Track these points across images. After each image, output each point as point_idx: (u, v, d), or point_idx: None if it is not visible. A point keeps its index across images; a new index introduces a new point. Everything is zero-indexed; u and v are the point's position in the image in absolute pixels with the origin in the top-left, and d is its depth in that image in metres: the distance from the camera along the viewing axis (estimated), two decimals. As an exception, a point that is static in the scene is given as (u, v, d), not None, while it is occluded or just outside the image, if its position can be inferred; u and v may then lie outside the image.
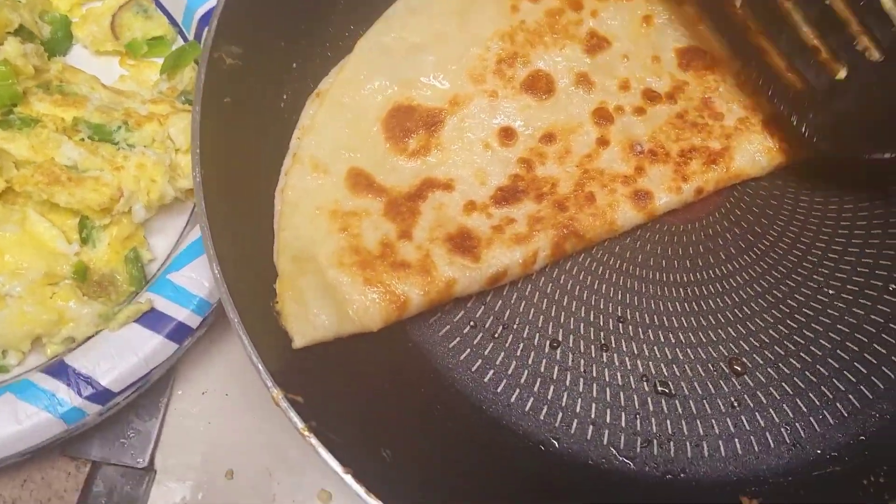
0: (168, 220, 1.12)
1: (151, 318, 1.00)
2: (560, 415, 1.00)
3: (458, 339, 1.04)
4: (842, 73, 0.98)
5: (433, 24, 1.15)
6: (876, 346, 1.01)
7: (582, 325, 1.05)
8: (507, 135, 1.08)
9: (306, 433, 0.81)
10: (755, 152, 1.09)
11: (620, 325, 1.04)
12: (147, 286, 1.04)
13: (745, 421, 0.98)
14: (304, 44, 1.13)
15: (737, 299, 1.05)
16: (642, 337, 1.04)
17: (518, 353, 1.03)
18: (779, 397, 0.99)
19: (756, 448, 0.96)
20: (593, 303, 1.06)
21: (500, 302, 1.06)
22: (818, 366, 1.01)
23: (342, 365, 0.97)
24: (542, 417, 1.00)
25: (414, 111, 1.09)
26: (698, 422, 0.99)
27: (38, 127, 1.04)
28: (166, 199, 1.06)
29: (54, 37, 1.18)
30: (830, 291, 1.05)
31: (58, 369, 0.97)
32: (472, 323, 1.05)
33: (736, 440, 0.98)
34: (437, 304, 1.00)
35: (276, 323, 0.94)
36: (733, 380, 1.01)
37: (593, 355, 1.03)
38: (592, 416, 1.00)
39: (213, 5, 1.19)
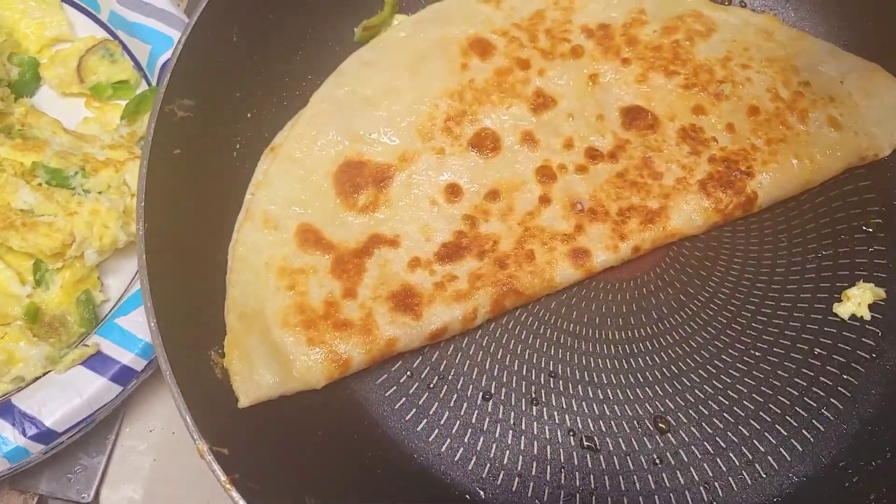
0: (123, 261, 1.16)
1: (97, 361, 1.04)
2: (488, 466, 1.04)
3: (394, 387, 1.08)
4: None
5: (385, 77, 1.19)
6: (798, 409, 1.05)
7: (514, 378, 1.08)
8: (453, 191, 1.12)
9: (227, 486, 0.84)
10: (691, 212, 1.12)
11: (552, 379, 1.08)
12: (96, 328, 1.08)
13: (666, 478, 1.02)
14: (259, 94, 1.17)
15: (665, 358, 1.09)
16: (571, 392, 1.07)
17: (451, 404, 1.07)
18: (700, 456, 1.03)
19: (674, 506, 1.00)
20: (527, 357, 1.09)
21: (438, 353, 1.09)
22: (740, 426, 1.04)
23: (275, 414, 1.00)
24: (470, 468, 1.04)
25: (364, 166, 1.13)
26: (621, 478, 1.02)
27: (-2, 171, 1.08)
28: (118, 245, 1.10)
29: (22, 78, 1.22)
30: (756, 353, 1.08)
31: (4, 409, 1.01)
32: (409, 373, 1.09)
33: (656, 497, 1.01)
34: (379, 361, 1.04)
35: (212, 375, 0.97)
36: (657, 437, 1.05)
37: (524, 408, 1.07)
38: (519, 468, 1.03)
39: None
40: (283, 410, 1.01)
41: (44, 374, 1.04)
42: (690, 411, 1.06)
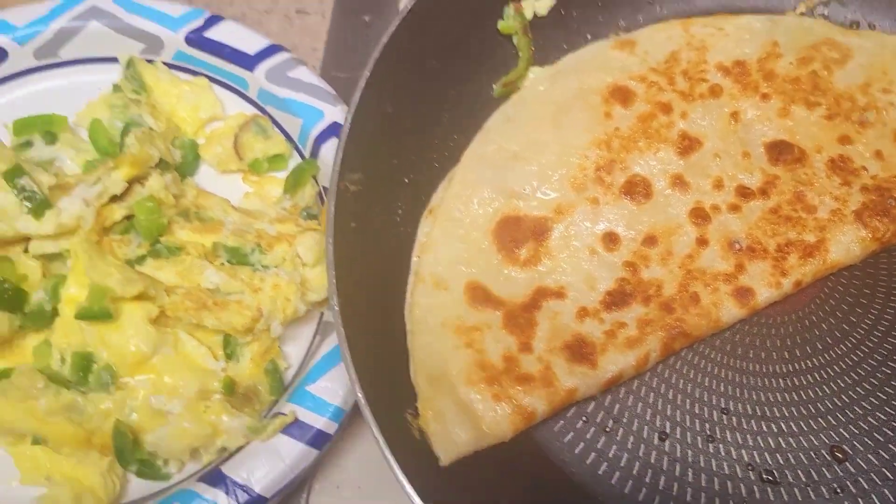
0: (298, 330, 1.22)
1: (294, 428, 1.11)
2: (671, 504, 1.07)
3: (571, 433, 1.11)
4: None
5: (529, 132, 1.23)
6: (977, 428, 1.06)
7: (688, 417, 1.11)
8: (611, 240, 1.16)
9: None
10: (849, 243, 1.14)
11: (724, 416, 1.11)
12: (286, 395, 1.14)
13: (848, 508, 1.04)
14: (413, 159, 1.22)
15: (835, 388, 1.10)
16: (745, 427, 1.10)
17: (629, 446, 1.10)
18: (880, 483, 1.05)
19: (860, 535, 1.02)
20: (697, 395, 1.12)
21: (610, 397, 1.13)
22: (919, 450, 1.06)
23: (468, 468, 1.05)
24: (654, 508, 1.07)
25: (521, 221, 1.17)
26: (804, 510, 1.05)
27: (183, 254, 1.16)
28: (299, 314, 1.16)
29: (185, 161, 1.29)
30: (928, 376, 1.09)
31: (216, 478, 1.08)
32: (584, 418, 1.12)
33: (841, 526, 1.03)
34: (559, 411, 1.08)
35: (410, 436, 1.03)
36: (835, 467, 1.06)
37: (700, 446, 1.09)
38: (702, 505, 1.06)
39: (326, 126, 1.29)
40: (476, 464, 1.05)
41: (246, 444, 1.10)
42: (866, 438, 1.07)
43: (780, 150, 1.19)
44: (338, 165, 1.09)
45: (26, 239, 1.15)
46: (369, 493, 1.20)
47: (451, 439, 1.03)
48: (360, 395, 0.96)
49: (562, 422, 1.12)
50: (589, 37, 1.33)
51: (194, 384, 1.10)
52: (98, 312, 1.07)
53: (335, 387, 1.12)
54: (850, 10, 1.32)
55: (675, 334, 1.10)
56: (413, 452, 1.01)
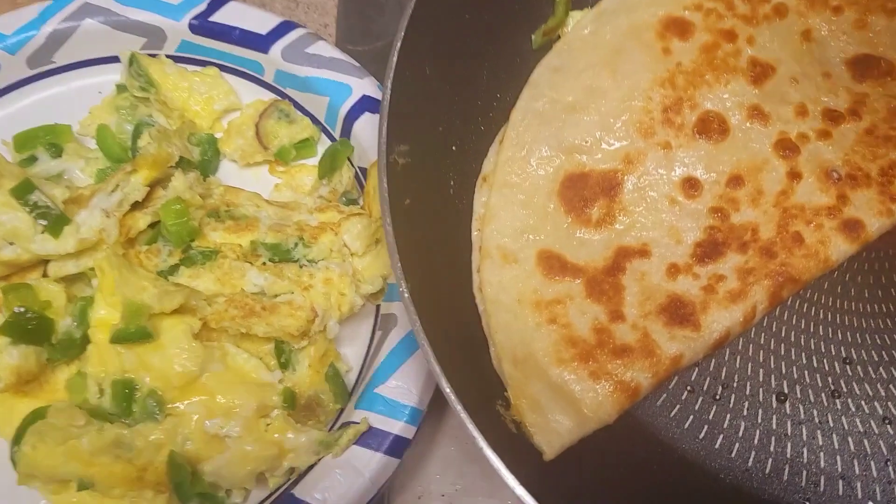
0: (353, 328, 1.10)
1: (369, 437, 0.99)
2: (804, 473, 0.95)
3: (678, 406, 1.00)
4: None
5: (583, 80, 1.11)
6: None
7: (806, 372, 1.00)
8: (691, 185, 1.04)
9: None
10: (964, 156, 1.02)
11: (847, 366, 0.99)
12: (352, 401, 1.02)
13: None
14: (458, 124, 1.10)
15: (970, 318, 0.99)
16: (874, 376, 0.98)
17: (745, 413, 0.99)
18: None
19: None
20: (812, 347, 1.01)
21: (714, 361, 1.02)
22: None
23: (571, 461, 0.93)
24: (785, 478, 0.95)
25: (588, 178, 1.05)
26: (961, 459, 0.93)
27: (219, 258, 1.04)
28: (356, 309, 1.04)
29: (204, 158, 1.17)
30: None
31: (288, 504, 0.96)
32: (689, 388, 1.01)
33: None
34: (665, 382, 0.96)
35: (506, 430, 0.91)
36: (985, 407, 0.94)
37: (825, 404, 0.98)
38: (839, 469, 0.95)
39: (355, 101, 1.17)
40: (580, 453, 0.93)
41: (317, 461, 0.98)
42: None
43: (864, 66, 1.08)
44: (384, 138, 0.96)
45: (44, 262, 1.03)
46: (456, 501, 1.08)
47: (552, 429, 0.91)
48: (447, 389, 0.84)
49: (664, 395, 1.01)
50: (629, -31, 1.20)
51: (251, 401, 0.98)
52: (135, 333, 0.95)
53: (408, 385, 1.00)
54: None
55: (781, 281, 0.98)
56: (513, 448, 0.88)
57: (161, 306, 0.96)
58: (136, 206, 1.05)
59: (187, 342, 0.97)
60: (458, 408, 0.83)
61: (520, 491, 0.79)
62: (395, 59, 1.00)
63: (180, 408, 0.98)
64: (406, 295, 0.89)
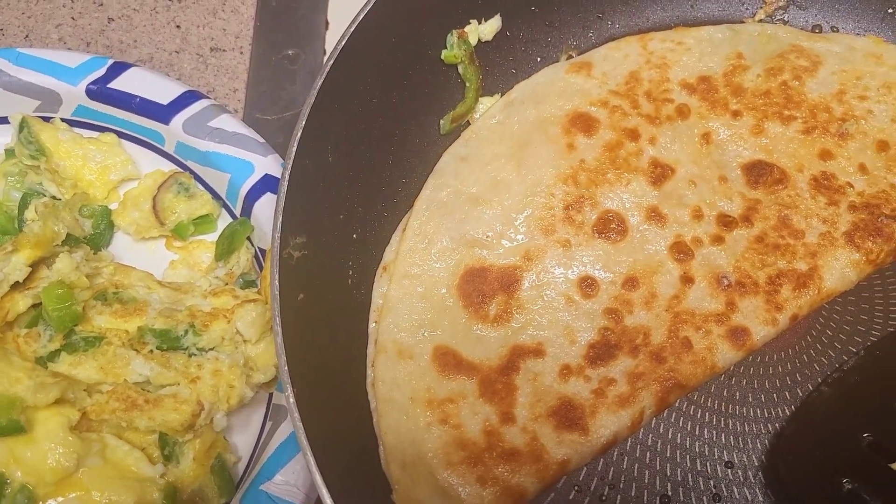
0: (245, 416, 1.08)
1: (251, 536, 0.96)
2: (687, 577, 0.96)
3: (565, 506, 1.00)
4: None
5: (488, 171, 1.12)
6: None
7: (690, 476, 1.01)
8: (587, 285, 1.05)
9: None
10: (843, 268, 1.05)
11: (729, 470, 1.01)
12: (238, 494, 0.99)
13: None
14: (360, 211, 1.09)
15: (846, 428, 1.01)
16: (753, 481, 1.00)
17: (630, 515, 0.99)
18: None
19: None
20: (697, 450, 1.02)
21: (602, 461, 1.02)
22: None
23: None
24: (667, 583, 0.96)
25: (487, 273, 1.05)
26: (832, 571, 0.95)
27: (104, 344, 1.00)
28: (245, 401, 1.02)
29: (97, 231, 1.13)
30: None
31: None
32: (576, 487, 1.01)
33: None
34: (551, 486, 0.96)
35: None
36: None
37: (708, 507, 0.99)
38: (720, 576, 0.96)
39: (257, 179, 1.15)
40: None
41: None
42: (886, 481, 0.98)
43: (758, 172, 1.10)
44: (278, 231, 0.94)
45: None
46: None
47: (435, 534, 0.90)
48: (325, 495, 0.82)
49: (552, 494, 1.01)
50: (539, 59, 1.22)
51: (129, 498, 0.94)
52: (7, 427, 0.91)
53: (295, 482, 0.98)
54: (811, 13, 1.25)
55: (670, 386, 0.99)
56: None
57: (35, 400, 0.92)
58: (16, 286, 1.00)
59: (63, 436, 0.93)
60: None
61: None
62: (294, 147, 0.98)
63: (53, 505, 0.93)
64: (291, 400, 0.87)
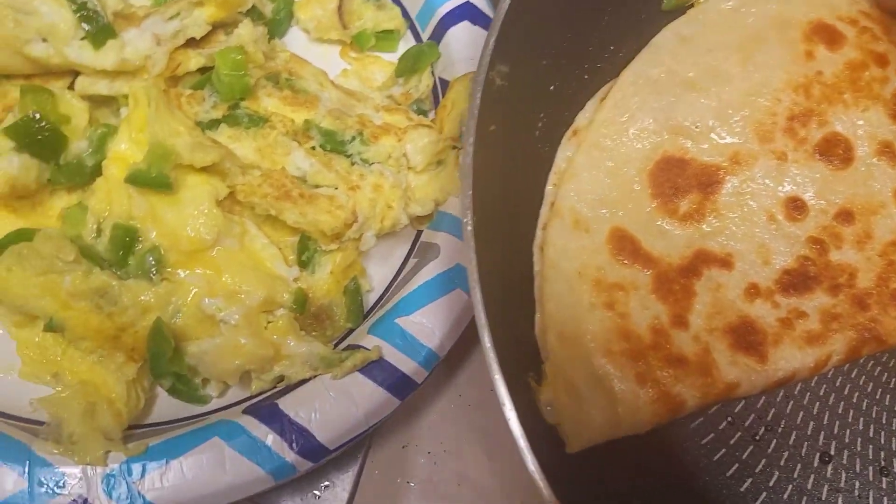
0: (387, 248, 0.99)
1: (376, 368, 0.88)
2: (827, 543, 0.86)
3: (712, 434, 0.91)
4: None
5: (709, 58, 1.00)
6: None
7: (859, 440, 0.91)
8: (795, 207, 0.93)
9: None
10: None
11: (904, 446, 0.90)
12: (365, 324, 0.91)
13: None
14: (563, 63, 0.99)
15: None
16: (930, 463, 0.89)
17: (781, 463, 0.90)
18: None
19: None
20: (873, 414, 0.92)
21: (764, 398, 0.92)
22: None
23: (588, 459, 0.83)
24: (805, 545, 0.86)
25: (687, 166, 0.94)
26: None
27: (267, 127, 0.91)
28: (398, 227, 0.93)
29: (276, 17, 1.04)
30: None
31: (269, 414, 0.85)
32: (729, 418, 0.92)
33: None
34: (710, 407, 0.86)
35: (533, 407, 0.81)
36: None
37: (870, 478, 0.90)
38: (866, 550, 0.86)
39: (457, 5, 1.04)
40: (598, 454, 0.83)
41: (311, 378, 0.87)
42: None
43: None
44: (489, 50, 0.85)
45: (74, 73, 0.90)
46: (440, 460, 0.98)
47: (582, 421, 0.82)
48: (488, 345, 0.74)
49: (701, 419, 0.91)
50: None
51: (259, 291, 0.86)
52: (155, 179, 0.83)
53: (432, 325, 0.90)
54: None
55: (867, 337, 0.88)
56: (535, 428, 0.78)
57: (191, 158, 0.84)
58: (190, 42, 0.92)
59: (208, 206, 0.86)
60: (495, 367, 0.73)
61: (533, 468, 0.69)
62: (520, -29, 0.87)
63: (180, 275, 0.86)
64: (469, 228, 0.78)
